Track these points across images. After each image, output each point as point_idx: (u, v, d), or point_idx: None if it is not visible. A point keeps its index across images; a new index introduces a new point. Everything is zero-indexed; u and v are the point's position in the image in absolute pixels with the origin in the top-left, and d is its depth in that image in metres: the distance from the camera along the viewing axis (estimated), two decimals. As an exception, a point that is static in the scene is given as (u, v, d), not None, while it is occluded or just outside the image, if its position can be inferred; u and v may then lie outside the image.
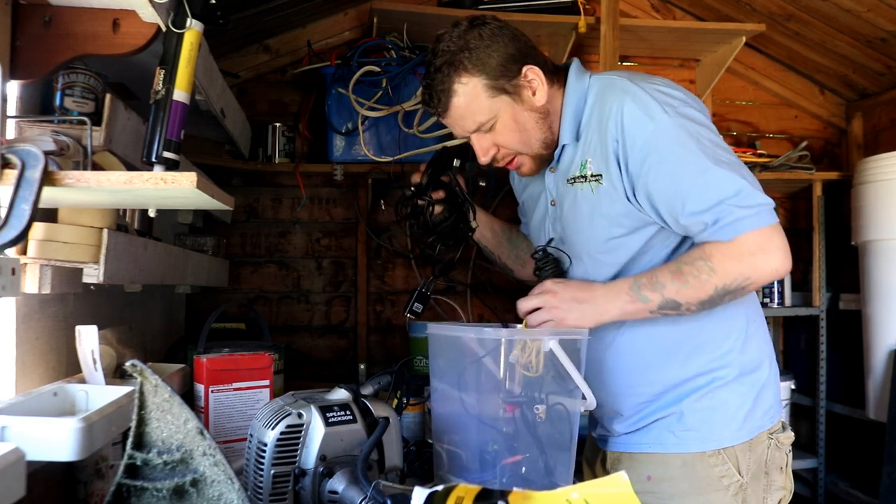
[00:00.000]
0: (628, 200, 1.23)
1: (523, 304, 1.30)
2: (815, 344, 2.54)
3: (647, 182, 1.20)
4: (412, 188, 1.61)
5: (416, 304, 1.63)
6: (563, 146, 1.32)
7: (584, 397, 1.19)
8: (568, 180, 1.32)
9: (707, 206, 1.16)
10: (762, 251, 1.17)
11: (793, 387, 2.50)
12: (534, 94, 1.29)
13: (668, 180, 1.18)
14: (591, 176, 1.27)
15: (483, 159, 1.34)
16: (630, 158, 1.20)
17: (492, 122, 1.29)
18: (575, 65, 1.35)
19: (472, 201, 1.58)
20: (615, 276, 1.30)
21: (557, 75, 1.34)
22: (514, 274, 1.70)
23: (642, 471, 1.31)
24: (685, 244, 1.28)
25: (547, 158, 1.35)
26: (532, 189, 1.49)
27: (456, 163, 1.58)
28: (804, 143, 2.62)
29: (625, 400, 1.34)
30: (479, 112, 1.28)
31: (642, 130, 1.19)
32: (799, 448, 2.63)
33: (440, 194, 1.57)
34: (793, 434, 1.35)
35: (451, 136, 2.21)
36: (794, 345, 2.76)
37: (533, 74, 1.28)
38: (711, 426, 1.28)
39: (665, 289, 1.20)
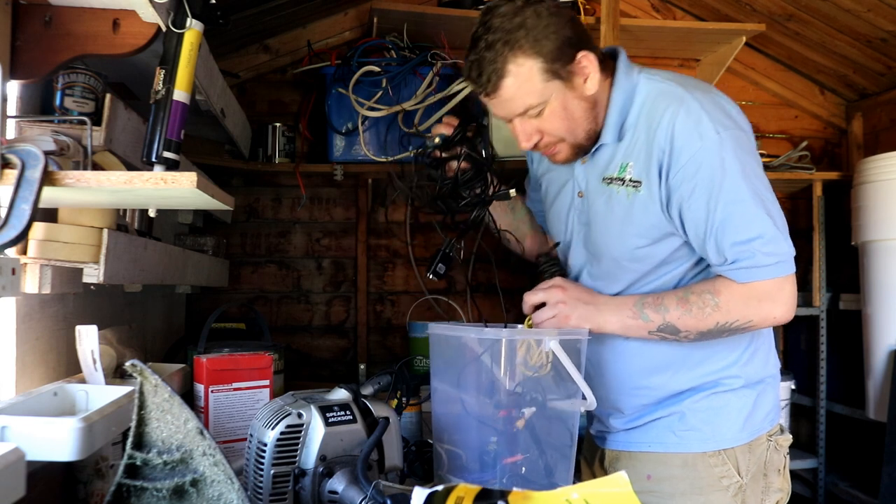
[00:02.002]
0: (662, 212, 1.23)
1: (529, 298, 1.31)
2: (815, 344, 2.54)
3: (682, 199, 1.19)
4: (437, 139, 1.49)
5: (439, 264, 1.56)
6: (603, 144, 1.29)
7: (583, 397, 1.20)
8: (604, 179, 1.29)
9: (732, 242, 1.16)
10: (770, 299, 1.18)
11: (793, 387, 2.50)
12: (585, 81, 1.23)
13: (702, 203, 1.17)
14: (631, 181, 1.24)
15: (525, 144, 1.28)
16: (672, 171, 1.19)
17: (541, 108, 1.22)
18: (623, 57, 1.30)
19: (492, 167, 1.52)
20: (633, 283, 1.31)
21: (605, 63, 1.28)
22: (508, 244, 1.65)
23: (642, 469, 1.31)
24: (704, 261, 1.27)
25: (585, 149, 1.30)
26: (557, 174, 1.43)
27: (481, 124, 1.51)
28: (804, 143, 2.61)
29: (627, 400, 1.34)
30: (530, 95, 1.21)
31: (690, 146, 1.17)
32: (799, 448, 2.63)
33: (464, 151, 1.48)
34: (791, 436, 1.36)
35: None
36: (794, 345, 2.76)
37: (587, 62, 1.22)
38: (713, 427, 1.28)
39: (668, 313, 1.22)
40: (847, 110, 2.82)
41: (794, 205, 2.79)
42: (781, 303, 1.19)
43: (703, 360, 1.29)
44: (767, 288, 1.18)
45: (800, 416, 2.71)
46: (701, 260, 1.27)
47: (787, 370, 2.67)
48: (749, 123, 1.27)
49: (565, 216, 1.41)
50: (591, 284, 1.35)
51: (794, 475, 2.68)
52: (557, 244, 1.39)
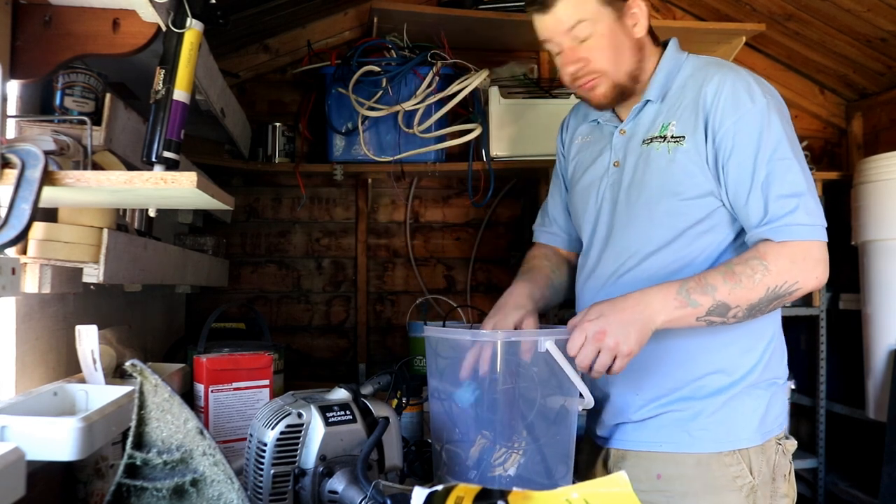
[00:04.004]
0: (705, 165, 1.23)
1: (570, 346, 1.18)
2: (815, 344, 2.54)
3: (729, 154, 1.20)
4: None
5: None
6: (647, 102, 1.31)
7: (581, 395, 1.19)
8: (644, 141, 1.30)
9: (777, 195, 1.18)
10: (813, 259, 1.20)
11: (793, 387, 2.50)
12: (635, 25, 1.27)
13: (750, 157, 1.19)
14: (672, 137, 1.25)
15: (569, 68, 1.28)
16: (721, 128, 1.21)
17: (590, 29, 1.24)
18: (674, 41, 1.36)
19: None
20: (663, 246, 1.27)
21: (656, 40, 1.34)
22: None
23: (652, 469, 1.27)
24: (741, 237, 1.26)
25: (624, 94, 1.31)
26: (590, 150, 1.42)
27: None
28: (804, 143, 2.61)
29: (633, 398, 1.31)
30: (584, 12, 1.23)
31: (741, 106, 1.20)
32: (799, 448, 2.62)
33: None
34: (795, 442, 1.34)
35: (449, 137, 2.21)
36: (795, 345, 2.76)
37: (639, 8, 1.27)
38: (728, 427, 1.25)
39: (717, 291, 1.16)
40: (847, 110, 2.82)
41: (794, 205, 2.79)
42: (823, 265, 1.21)
43: (720, 350, 1.27)
44: (810, 248, 1.19)
45: (800, 416, 2.71)
46: (736, 237, 1.27)
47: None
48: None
49: (593, 189, 1.38)
50: (616, 263, 1.31)
51: (795, 475, 2.68)
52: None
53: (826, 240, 1.21)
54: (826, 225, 1.21)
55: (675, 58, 1.32)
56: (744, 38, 2.44)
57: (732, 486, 1.24)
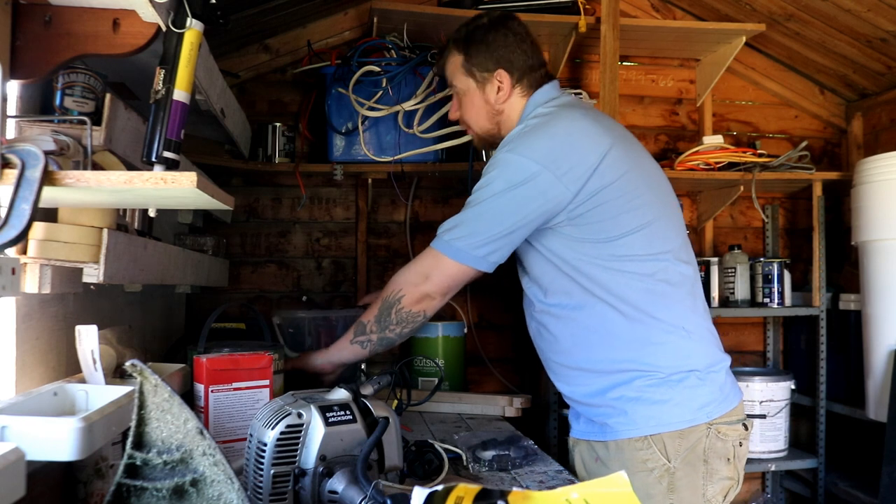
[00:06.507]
0: None
1: None
2: (815, 344, 2.54)
3: None
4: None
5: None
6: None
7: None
8: None
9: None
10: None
11: (793, 387, 2.50)
12: (498, 93, 1.54)
13: None
14: None
15: (452, 114, 1.68)
16: None
17: (461, 91, 1.59)
18: (540, 93, 1.54)
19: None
20: None
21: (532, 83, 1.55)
22: None
23: (593, 453, 1.49)
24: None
25: (493, 143, 1.60)
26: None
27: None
28: (804, 143, 2.61)
29: (567, 391, 1.53)
30: (454, 77, 1.60)
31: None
32: (799, 448, 2.63)
33: None
34: (742, 428, 1.43)
35: (449, 137, 2.22)
36: (794, 345, 2.76)
37: (502, 80, 1.53)
38: (635, 416, 1.40)
39: None
40: (847, 110, 2.82)
41: (794, 205, 2.79)
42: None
43: (621, 348, 1.41)
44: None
45: (800, 416, 2.71)
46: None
47: (787, 370, 2.67)
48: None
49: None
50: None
51: (794, 475, 2.68)
52: None
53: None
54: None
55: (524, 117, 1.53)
56: (744, 38, 2.44)
57: (643, 468, 1.39)
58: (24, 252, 0.99)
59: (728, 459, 1.40)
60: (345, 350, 1.56)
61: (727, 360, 1.47)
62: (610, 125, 1.50)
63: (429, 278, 1.47)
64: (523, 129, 1.45)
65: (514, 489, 0.66)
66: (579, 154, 1.38)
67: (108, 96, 1.05)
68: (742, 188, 2.46)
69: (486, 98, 1.55)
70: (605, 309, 1.40)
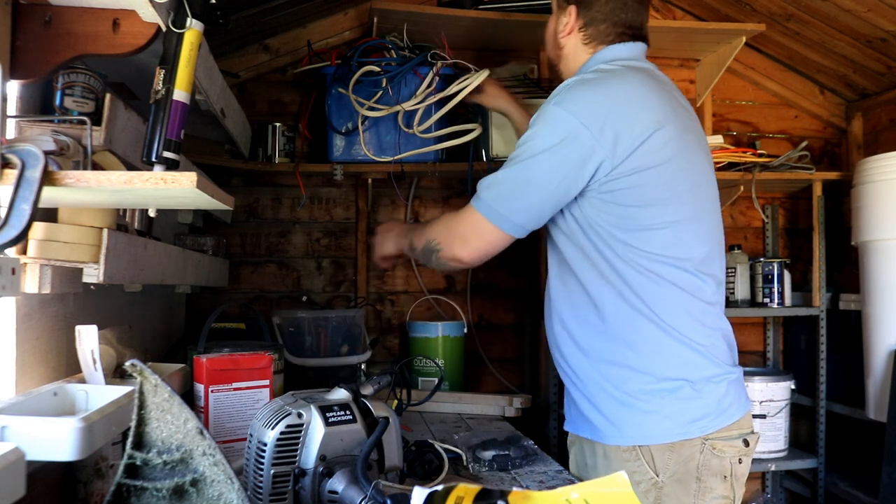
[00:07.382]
0: None
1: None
2: (815, 344, 2.54)
3: None
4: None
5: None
6: None
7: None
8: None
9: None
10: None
11: (793, 387, 2.50)
12: (564, 27, 1.49)
13: None
14: None
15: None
16: None
17: (553, 13, 1.56)
18: (598, 57, 1.47)
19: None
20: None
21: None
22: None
23: (587, 451, 1.43)
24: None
25: (555, 72, 1.59)
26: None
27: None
28: (804, 143, 2.61)
29: (570, 386, 1.45)
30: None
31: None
32: (799, 448, 2.63)
33: None
34: (742, 445, 1.32)
35: (449, 137, 2.21)
36: (794, 345, 2.76)
37: (569, 16, 1.48)
38: (620, 424, 1.33)
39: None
40: (847, 110, 2.82)
41: (794, 205, 2.79)
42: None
43: (626, 351, 1.33)
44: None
45: (800, 416, 2.71)
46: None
47: (787, 370, 2.67)
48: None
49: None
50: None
51: (794, 475, 2.68)
52: None
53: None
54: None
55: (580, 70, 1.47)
56: (744, 38, 2.44)
57: (629, 480, 1.30)
58: (24, 252, 0.99)
59: (724, 477, 1.30)
60: (414, 252, 1.56)
61: (734, 372, 1.37)
62: (672, 103, 1.37)
63: (466, 242, 1.39)
64: (577, 81, 1.35)
65: (514, 489, 0.66)
66: (628, 123, 1.26)
67: (108, 96, 1.05)
68: (742, 188, 2.45)
69: (556, 26, 1.52)
70: (611, 291, 1.33)
